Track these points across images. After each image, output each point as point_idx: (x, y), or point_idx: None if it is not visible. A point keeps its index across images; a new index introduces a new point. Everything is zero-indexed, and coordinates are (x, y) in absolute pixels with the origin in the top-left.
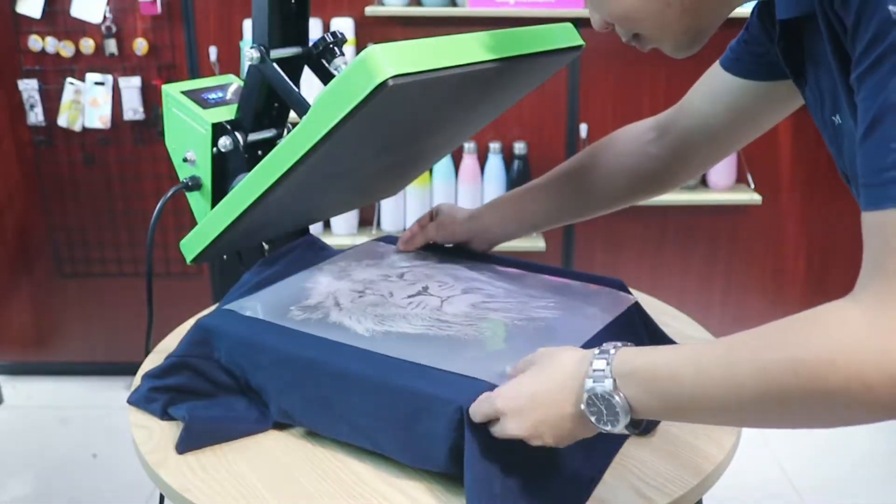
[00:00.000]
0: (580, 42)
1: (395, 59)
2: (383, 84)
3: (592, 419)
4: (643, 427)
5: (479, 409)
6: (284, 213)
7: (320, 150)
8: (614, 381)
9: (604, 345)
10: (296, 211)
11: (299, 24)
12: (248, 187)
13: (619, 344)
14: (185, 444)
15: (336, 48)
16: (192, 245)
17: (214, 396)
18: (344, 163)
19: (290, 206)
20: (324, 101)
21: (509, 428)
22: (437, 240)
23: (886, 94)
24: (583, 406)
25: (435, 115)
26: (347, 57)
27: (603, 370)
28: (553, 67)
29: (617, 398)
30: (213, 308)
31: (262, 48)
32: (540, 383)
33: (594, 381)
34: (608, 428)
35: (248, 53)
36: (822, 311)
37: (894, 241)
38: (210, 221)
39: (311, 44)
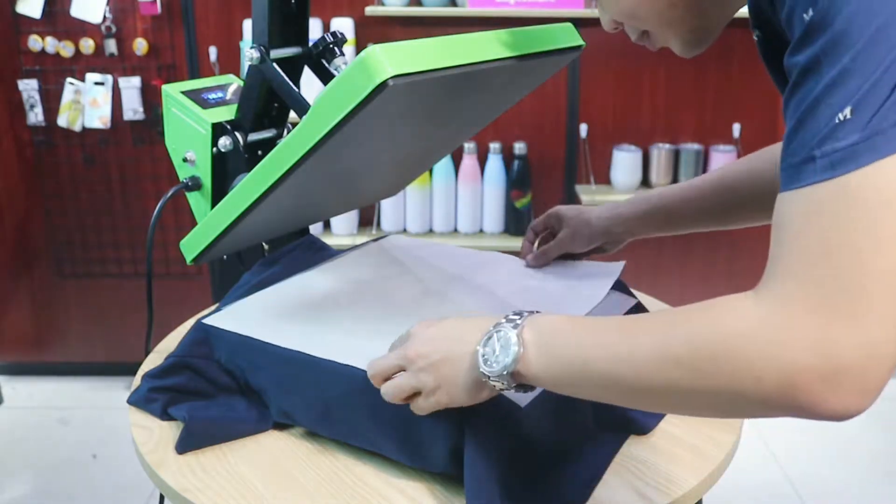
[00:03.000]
0: (580, 42)
1: (395, 59)
2: (383, 84)
3: (480, 359)
4: (525, 390)
5: (376, 367)
6: (284, 213)
7: (320, 150)
8: (522, 322)
9: None
10: (296, 211)
11: (299, 24)
12: (248, 187)
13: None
14: (185, 444)
15: (336, 48)
16: (192, 245)
17: (214, 397)
18: (344, 163)
19: (290, 206)
20: (324, 101)
21: (403, 382)
22: (572, 249)
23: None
24: (479, 346)
25: (435, 114)
26: (347, 57)
27: (518, 315)
28: (553, 67)
29: (513, 335)
30: (213, 308)
31: (262, 48)
32: (450, 325)
33: (505, 321)
34: (487, 370)
35: (248, 53)
36: (725, 300)
37: (783, 226)
38: (210, 221)
39: (311, 44)
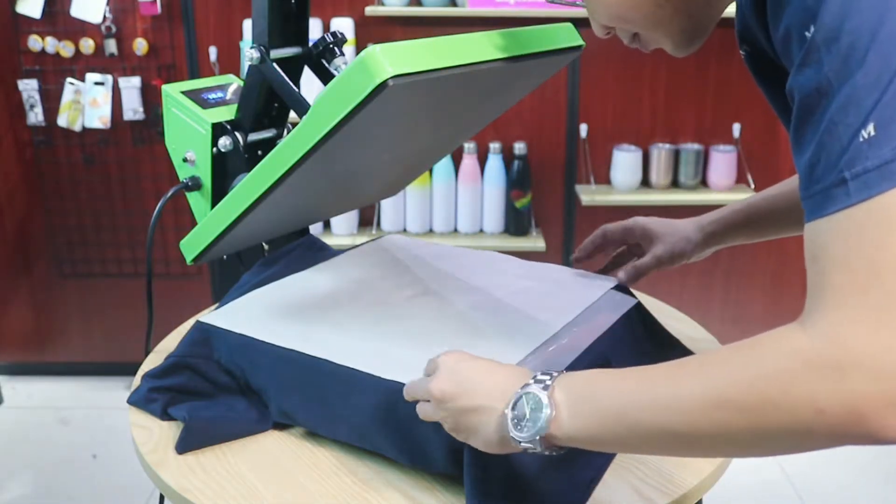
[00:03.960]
0: (580, 42)
1: (395, 59)
2: (383, 84)
3: (510, 423)
4: (556, 451)
5: (411, 388)
6: (284, 213)
7: (320, 151)
8: (552, 383)
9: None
10: (296, 211)
11: (299, 24)
12: (248, 187)
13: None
14: (185, 444)
15: (336, 48)
16: (192, 245)
17: (214, 397)
18: (344, 163)
19: (290, 206)
20: (324, 101)
21: (430, 411)
22: (668, 266)
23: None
24: (507, 409)
25: (435, 114)
26: (347, 57)
27: (548, 375)
28: (553, 67)
29: (544, 397)
30: (213, 308)
31: (261, 48)
32: (480, 371)
33: (534, 382)
34: (518, 434)
35: (248, 53)
36: (772, 336)
37: (822, 253)
38: (210, 221)
39: (311, 44)
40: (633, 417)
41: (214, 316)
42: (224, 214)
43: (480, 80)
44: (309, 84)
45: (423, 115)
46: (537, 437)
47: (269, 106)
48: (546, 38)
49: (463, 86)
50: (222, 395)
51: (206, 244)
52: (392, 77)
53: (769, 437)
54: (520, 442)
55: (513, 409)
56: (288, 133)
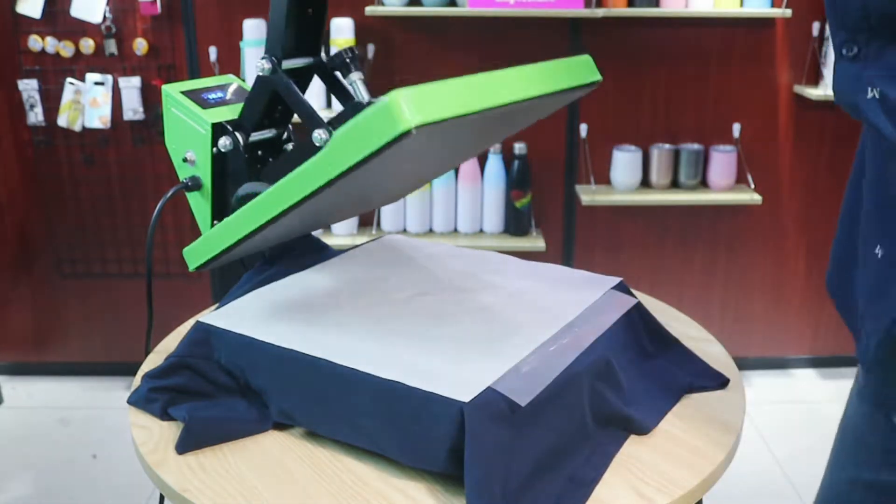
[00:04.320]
0: (598, 77)
1: (419, 108)
2: (406, 132)
3: None
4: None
5: None
6: (290, 228)
7: (335, 184)
8: None
9: None
10: (301, 224)
11: (314, 35)
12: (259, 210)
13: None
14: (185, 445)
15: (352, 65)
16: (196, 254)
17: (214, 397)
18: (357, 189)
19: (297, 222)
20: (343, 140)
21: None
22: None
23: None
24: None
25: (452, 146)
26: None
27: None
28: (569, 99)
29: None
30: (213, 308)
31: (273, 59)
32: None
33: None
34: None
35: (259, 64)
36: None
37: None
38: (216, 235)
39: (328, 55)
40: None
41: (214, 316)
42: (232, 231)
43: (499, 116)
44: (309, 86)
45: (440, 148)
46: None
47: (272, 110)
48: (566, 74)
49: (482, 122)
50: (222, 395)
51: (210, 256)
52: (416, 126)
53: None
54: None
55: None
56: (289, 133)
